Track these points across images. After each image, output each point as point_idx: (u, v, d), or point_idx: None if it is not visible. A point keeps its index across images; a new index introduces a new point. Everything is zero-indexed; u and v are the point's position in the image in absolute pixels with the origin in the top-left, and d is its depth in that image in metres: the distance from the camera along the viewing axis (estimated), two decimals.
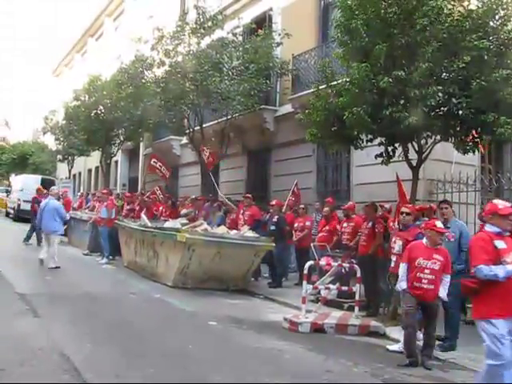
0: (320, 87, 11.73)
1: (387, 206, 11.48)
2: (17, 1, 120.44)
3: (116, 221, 16.10)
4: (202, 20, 18.42)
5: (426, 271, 7.41)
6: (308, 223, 13.69)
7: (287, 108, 17.95)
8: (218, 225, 14.58)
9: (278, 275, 13.57)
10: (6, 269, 13.33)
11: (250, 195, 15.05)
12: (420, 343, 7.67)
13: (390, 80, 9.24)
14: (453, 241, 8.53)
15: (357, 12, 10.10)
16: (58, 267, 13.72)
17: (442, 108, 9.81)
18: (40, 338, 7.54)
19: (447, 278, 7.44)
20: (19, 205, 31.59)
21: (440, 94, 9.28)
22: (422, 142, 10.63)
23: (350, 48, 10.42)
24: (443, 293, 7.41)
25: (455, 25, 9.55)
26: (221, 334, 8.59)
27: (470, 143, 10.24)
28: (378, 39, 9.70)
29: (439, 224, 7.63)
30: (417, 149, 10.67)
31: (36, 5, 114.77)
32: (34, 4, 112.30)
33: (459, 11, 9.91)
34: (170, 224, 14.24)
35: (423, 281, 7.41)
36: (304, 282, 9.69)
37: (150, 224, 14.34)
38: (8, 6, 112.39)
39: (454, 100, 9.57)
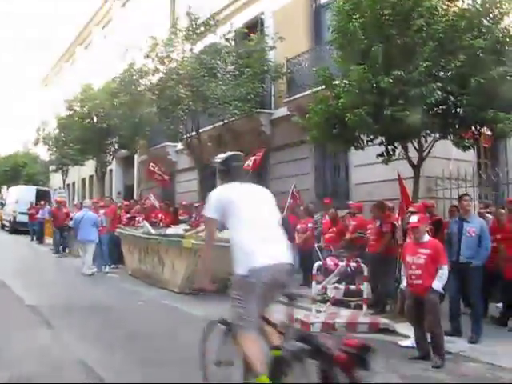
0: (317, 90, 11.91)
1: (390, 204, 11.62)
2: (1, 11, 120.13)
3: (118, 229, 16.17)
4: (194, 26, 18.53)
5: (413, 267, 7.59)
6: (310, 225, 13.81)
7: (283, 111, 18.10)
8: (220, 229, 14.63)
9: None
10: (12, 281, 13.43)
11: None
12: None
13: (390, 80, 9.39)
14: (474, 236, 8.65)
15: (353, 15, 10.24)
16: (93, 274, 14.93)
17: (441, 106, 9.95)
18: (58, 349, 7.64)
19: (442, 270, 7.38)
20: (15, 217, 31.57)
21: (439, 92, 9.40)
22: (422, 140, 10.80)
23: (347, 51, 10.57)
24: (437, 284, 7.34)
25: (450, 24, 9.68)
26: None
27: (470, 140, 10.41)
28: (375, 41, 9.85)
29: (412, 219, 7.76)
30: (417, 147, 10.83)
31: (23, 14, 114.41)
32: (20, 13, 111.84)
33: (454, 11, 10.07)
34: (171, 231, 14.35)
35: (412, 277, 7.59)
36: (313, 283, 9.85)
37: (153, 231, 14.42)
38: None
39: (452, 98, 9.75)
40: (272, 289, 4.90)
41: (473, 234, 8.64)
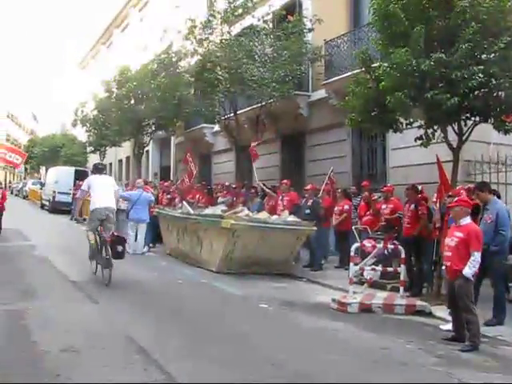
0: (356, 72, 11.91)
1: (419, 187, 11.60)
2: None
3: (156, 209, 16.44)
4: (232, 7, 18.57)
5: (446, 248, 7.69)
6: (347, 207, 13.87)
7: (320, 93, 18.08)
8: (257, 210, 14.85)
9: (317, 259, 13.81)
10: (55, 258, 13.82)
11: (287, 181, 15.24)
12: None
13: (432, 63, 9.35)
14: (489, 222, 8.64)
15: None
16: (144, 253, 15.66)
17: (483, 89, 9.86)
18: (103, 322, 7.94)
19: (473, 256, 7.32)
20: (54, 197, 32.15)
21: (480, 75, 9.33)
22: (462, 123, 10.73)
23: (388, 34, 10.53)
24: (466, 271, 7.30)
25: (495, 5, 9.57)
26: (274, 315, 8.89)
27: (511, 123, 10.31)
28: (416, 23, 9.80)
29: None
30: (457, 131, 10.77)
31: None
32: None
33: None
34: (209, 211, 14.55)
35: (445, 258, 7.69)
36: (351, 264, 9.94)
37: (192, 211, 14.63)
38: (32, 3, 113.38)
39: (494, 81, 9.64)
40: (101, 216, 11.10)
41: (489, 221, 8.63)
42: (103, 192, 11.17)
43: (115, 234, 10.97)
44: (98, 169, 12.02)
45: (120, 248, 10.72)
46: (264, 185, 16.82)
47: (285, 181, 15.31)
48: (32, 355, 6.21)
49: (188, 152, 21.43)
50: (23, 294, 9.65)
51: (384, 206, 12.28)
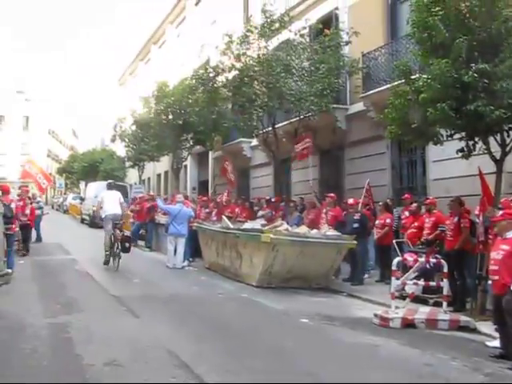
0: (395, 84, 11.82)
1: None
2: (77, 16, 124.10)
3: (195, 224, 16.52)
4: (269, 22, 18.65)
5: (492, 262, 7.53)
6: (388, 220, 13.70)
7: (359, 106, 17.99)
8: (296, 224, 14.80)
9: (359, 273, 13.69)
10: (95, 272, 14.06)
11: (333, 195, 15.11)
12: None
13: (475, 74, 9.22)
14: None
15: (433, 8, 10.10)
16: (185, 267, 15.75)
17: None
18: (144, 336, 7.97)
19: None
20: (94, 211, 32.58)
21: None
22: (505, 134, 10.54)
23: (427, 45, 10.43)
24: None
25: None
26: (315, 330, 8.81)
27: None
28: (457, 34, 9.69)
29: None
30: (499, 142, 10.58)
31: (98, 17, 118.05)
32: (96, 17, 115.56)
33: None
34: (248, 225, 14.55)
35: (491, 272, 7.54)
36: (393, 278, 9.82)
37: (231, 226, 14.66)
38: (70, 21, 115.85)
39: None
40: (111, 221, 14.69)
41: None
42: (112, 203, 15.11)
43: (125, 234, 15.72)
44: (110, 186, 16.65)
45: (127, 244, 14.96)
46: (316, 196, 16.78)
47: (331, 194, 15.14)
48: (76, 368, 6.31)
49: (226, 161, 21.52)
50: (66, 307, 9.83)
51: (427, 220, 12.13)
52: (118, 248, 14.59)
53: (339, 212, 14.53)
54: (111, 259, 14.67)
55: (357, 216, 13.79)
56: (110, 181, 19.09)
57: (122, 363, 6.47)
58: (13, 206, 14.10)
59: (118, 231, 14.78)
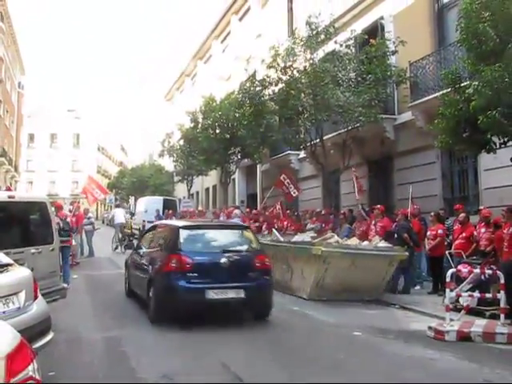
0: (445, 93, 11.65)
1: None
2: (124, 32, 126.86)
3: None
4: (314, 33, 18.66)
5: None
6: (440, 231, 13.47)
7: (407, 116, 17.81)
8: (346, 236, 14.71)
9: (406, 282, 13.60)
10: None
11: (381, 206, 15.05)
12: None
13: None
14: None
15: (482, 14, 9.95)
16: None
17: None
18: (197, 349, 8.01)
19: None
20: (144, 226, 33.04)
21: None
22: None
23: (478, 52, 10.26)
24: None
25: None
26: (369, 344, 8.69)
27: None
28: (508, 39, 9.52)
29: None
30: None
31: (143, 33, 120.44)
32: (140, 33, 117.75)
33: None
34: (298, 238, 14.54)
35: None
36: (447, 290, 9.62)
37: (282, 239, 14.65)
38: (116, 39, 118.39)
39: None
40: (119, 226, 26.13)
41: None
42: (119, 216, 26.87)
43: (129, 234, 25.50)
44: (117, 205, 28.92)
45: (131, 239, 23.72)
46: (363, 209, 16.66)
47: (378, 206, 15.08)
48: (131, 382, 6.41)
49: (283, 173, 21.47)
50: (119, 321, 10.01)
51: (483, 230, 11.90)
52: (124, 240, 25.12)
53: (388, 223, 14.40)
54: (119, 247, 24.97)
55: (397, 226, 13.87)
56: (117, 202, 25.46)
57: (175, 377, 6.53)
58: (68, 220, 14.80)
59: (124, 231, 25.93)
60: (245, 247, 10.45)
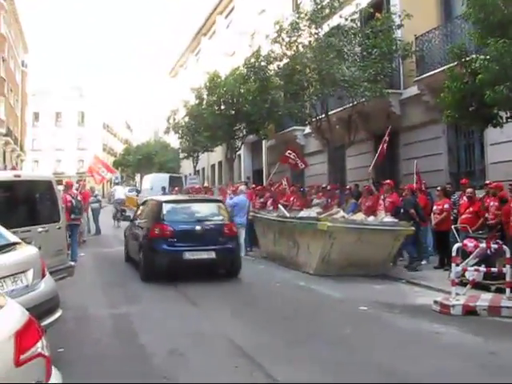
0: (451, 66, 11.54)
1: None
2: (127, 10, 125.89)
3: (251, 213, 16.60)
4: (319, 7, 18.47)
5: None
6: (446, 206, 13.43)
7: (413, 90, 17.68)
8: (352, 211, 14.71)
9: (411, 257, 13.68)
10: None
11: (391, 181, 14.97)
12: None
13: None
14: None
15: None
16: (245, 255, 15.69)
17: None
18: (205, 325, 8.14)
19: None
20: None
21: None
22: None
23: (485, 25, 10.15)
24: None
25: None
26: (375, 318, 8.74)
27: None
28: None
29: None
30: None
31: (146, 10, 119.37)
32: (143, 10, 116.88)
33: None
34: (304, 213, 14.54)
35: None
36: (453, 265, 9.64)
37: (288, 214, 14.67)
38: (120, 16, 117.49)
39: None
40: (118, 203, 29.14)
41: None
42: (118, 193, 30.25)
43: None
44: (117, 183, 32.72)
45: (127, 213, 23.22)
46: (373, 183, 16.61)
47: (388, 181, 14.96)
48: (141, 357, 6.48)
49: (288, 149, 21.43)
50: (127, 297, 10.12)
51: (491, 204, 11.87)
52: (121, 215, 25.50)
53: (397, 198, 14.36)
54: (114, 222, 27.46)
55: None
56: (116, 180, 29.84)
57: (184, 352, 6.63)
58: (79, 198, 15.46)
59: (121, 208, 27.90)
60: (216, 218, 12.63)
